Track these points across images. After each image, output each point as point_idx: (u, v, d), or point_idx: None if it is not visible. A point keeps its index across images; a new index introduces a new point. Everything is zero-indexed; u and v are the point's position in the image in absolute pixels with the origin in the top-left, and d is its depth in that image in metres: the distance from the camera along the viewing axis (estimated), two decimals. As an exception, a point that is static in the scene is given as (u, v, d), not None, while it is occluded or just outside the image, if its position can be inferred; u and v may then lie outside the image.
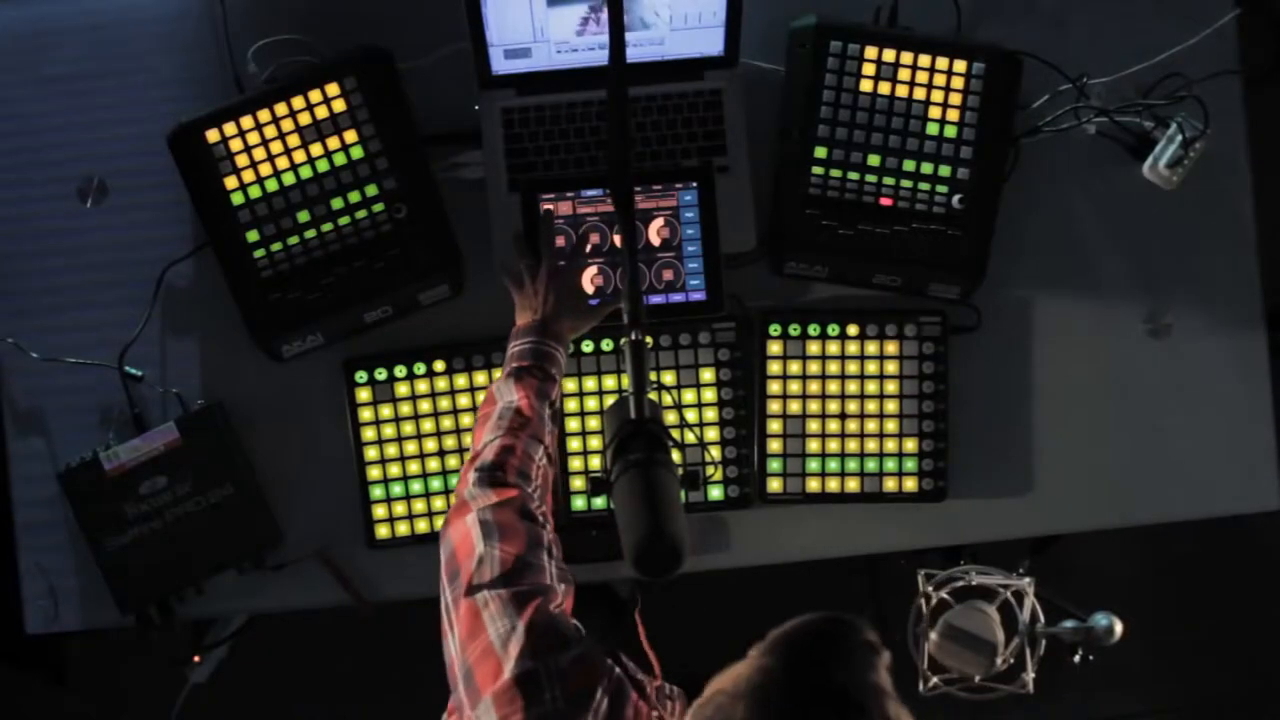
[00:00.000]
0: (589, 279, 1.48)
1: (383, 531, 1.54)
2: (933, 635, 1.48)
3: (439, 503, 1.54)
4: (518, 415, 1.26)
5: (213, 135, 1.50)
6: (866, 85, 1.53)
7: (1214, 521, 1.58)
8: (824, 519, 1.54)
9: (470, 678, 1.01)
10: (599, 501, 1.53)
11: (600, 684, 0.99)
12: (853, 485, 1.54)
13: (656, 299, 1.49)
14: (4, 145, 1.61)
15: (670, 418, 1.50)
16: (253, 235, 1.50)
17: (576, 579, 1.15)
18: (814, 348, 1.55)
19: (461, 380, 1.54)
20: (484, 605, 1.05)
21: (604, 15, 1.47)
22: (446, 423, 1.54)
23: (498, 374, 1.54)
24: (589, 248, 1.47)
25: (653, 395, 1.19)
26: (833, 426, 1.55)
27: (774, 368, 1.55)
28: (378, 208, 1.51)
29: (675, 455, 1.14)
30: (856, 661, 0.81)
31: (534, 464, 1.23)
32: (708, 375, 1.55)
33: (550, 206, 1.47)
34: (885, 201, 1.52)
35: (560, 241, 1.46)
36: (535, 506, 1.19)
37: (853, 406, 1.55)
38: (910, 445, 1.54)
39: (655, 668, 1.20)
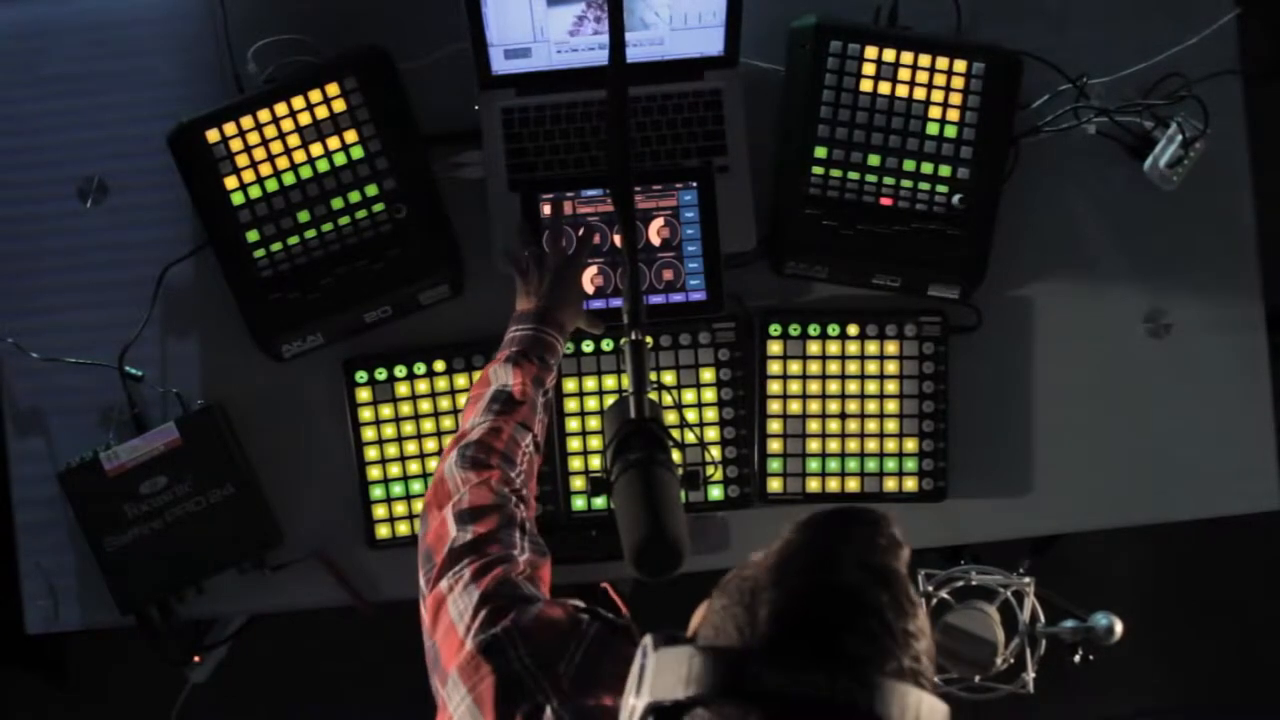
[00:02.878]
0: (589, 279, 1.48)
1: (383, 531, 1.54)
2: (933, 635, 1.47)
3: (439, 503, 1.54)
4: (510, 399, 1.25)
5: (213, 135, 1.50)
6: (866, 85, 1.53)
7: (1214, 521, 1.58)
8: (824, 519, 1.54)
9: (437, 659, 1.02)
10: (599, 501, 1.53)
11: (571, 639, 0.97)
12: (853, 485, 1.54)
13: (656, 299, 1.49)
14: (4, 145, 1.61)
15: (670, 418, 1.49)
16: (253, 235, 1.50)
17: (574, 585, 1.15)
18: (814, 348, 1.55)
19: (461, 380, 1.54)
20: (448, 590, 1.05)
21: (603, 15, 1.47)
22: (447, 423, 1.54)
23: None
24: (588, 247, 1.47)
25: (653, 395, 1.18)
26: (833, 426, 1.55)
27: (774, 368, 1.55)
28: (378, 208, 1.51)
29: (675, 455, 1.14)
30: (881, 545, 0.80)
31: (519, 449, 1.23)
32: (708, 375, 1.54)
33: (557, 201, 1.46)
34: (885, 201, 1.52)
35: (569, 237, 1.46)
36: (516, 489, 1.18)
37: (853, 406, 1.55)
38: (910, 445, 1.54)
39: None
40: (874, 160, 1.53)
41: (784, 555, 0.80)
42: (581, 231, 1.46)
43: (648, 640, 0.79)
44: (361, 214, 1.51)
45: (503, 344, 1.34)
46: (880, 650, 0.74)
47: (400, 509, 1.53)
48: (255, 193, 1.50)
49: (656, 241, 1.49)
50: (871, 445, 1.55)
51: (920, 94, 1.53)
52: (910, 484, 1.54)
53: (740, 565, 0.82)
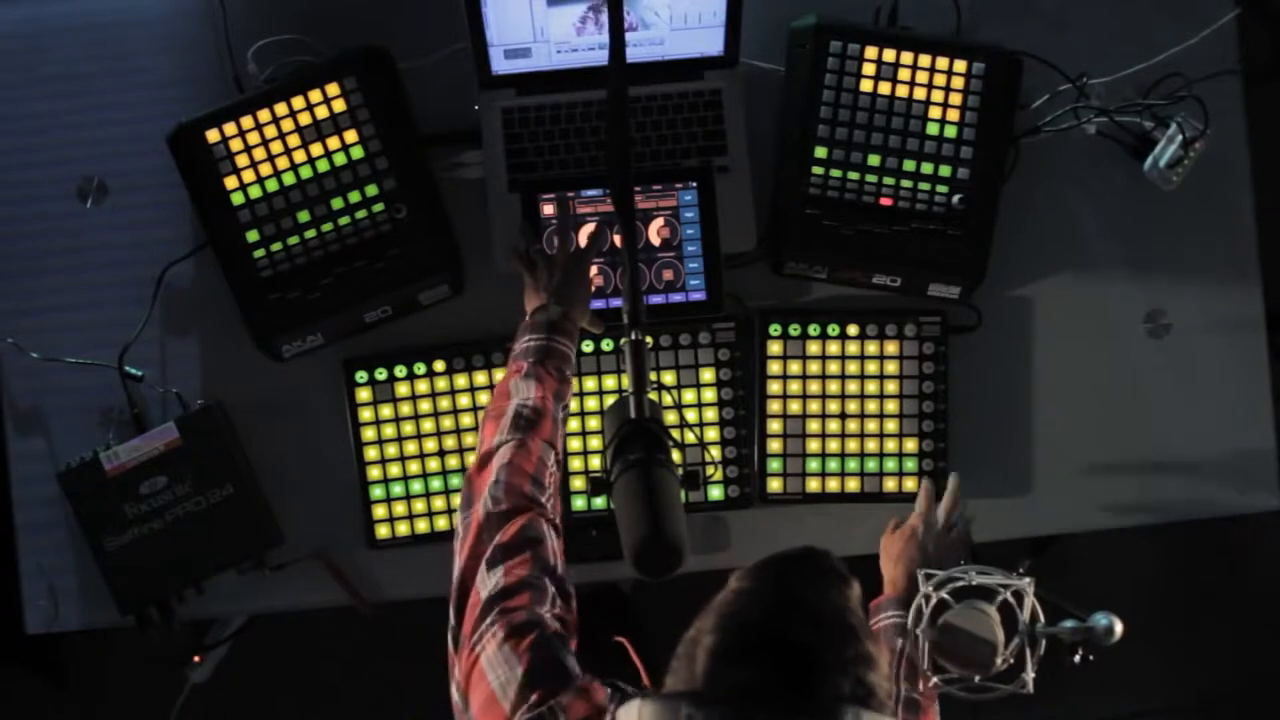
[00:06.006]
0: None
1: (383, 531, 1.54)
2: (933, 635, 1.48)
3: (439, 503, 1.54)
4: (534, 416, 1.22)
5: (213, 135, 1.50)
6: (866, 85, 1.53)
7: (1214, 521, 1.58)
8: (824, 519, 1.54)
9: None
10: (599, 501, 1.53)
11: (605, 714, 0.98)
12: (853, 485, 1.54)
13: (656, 299, 1.49)
14: (4, 145, 1.61)
15: (670, 418, 1.50)
16: (253, 235, 1.50)
17: (576, 584, 1.14)
18: (814, 348, 1.55)
19: (461, 380, 1.54)
20: (482, 649, 1.03)
21: (603, 15, 1.47)
22: (446, 423, 1.54)
23: (499, 373, 1.53)
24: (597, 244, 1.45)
25: (653, 395, 1.18)
26: (833, 426, 1.55)
27: (774, 368, 1.55)
28: (378, 208, 1.51)
29: (675, 455, 1.14)
30: (820, 583, 0.87)
31: (547, 470, 1.20)
32: (708, 375, 1.54)
33: (564, 199, 1.46)
34: (885, 201, 1.52)
35: (582, 233, 1.46)
36: (549, 516, 1.16)
37: (853, 406, 1.55)
38: (910, 445, 1.54)
39: (645, 681, 1.23)
40: (874, 160, 1.53)
41: (728, 603, 0.88)
42: (594, 228, 1.46)
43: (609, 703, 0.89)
44: (361, 214, 1.51)
45: (514, 352, 1.32)
46: (812, 681, 0.82)
47: (400, 509, 1.53)
48: (255, 193, 1.50)
49: (656, 241, 1.49)
50: (871, 445, 1.55)
51: (920, 94, 1.53)
52: (910, 484, 1.54)
53: (696, 618, 0.89)
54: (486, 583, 1.07)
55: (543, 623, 1.04)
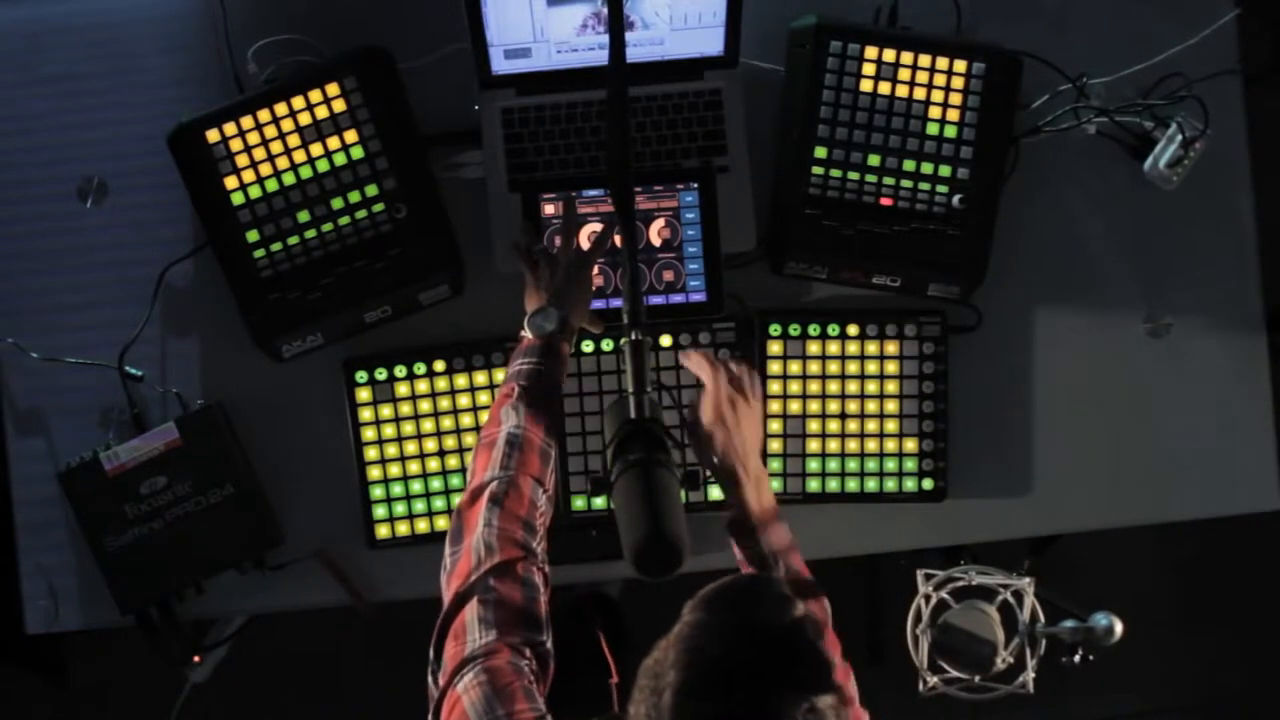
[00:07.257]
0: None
1: (383, 531, 1.54)
2: (933, 635, 1.48)
3: (439, 502, 1.54)
4: (526, 448, 1.21)
5: (213, 135, 1.50)
6: (866, 85, 1.53)
7: (1214, 521, 1.58)
8: (824, 519, 1.54)
9: None
10: (599, 501, 1.53)
11: None
12: (853, 485, 1.54)
13: (657, 299, 1.49)
14: (4, 145, 1.61)
15: (670, 418, 1.49)
16: (253, 235, 1.50)
17: (569, 585, 1.14)
18: (814, 348, 1.55)
19: (461, 380, 1.54)
20: (464, 693, 1.03)
21: (604, 16, 1.47)
22: (446, 423, 1.54)
23: (499, 373, 1.53)
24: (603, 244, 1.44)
25: (653, 395, 1.18)
26: (833, 426, 1.55)
27: (774, 368, 1.55)
28: (378, 208, 1.51)
29: (675, 455, 1.14)
30: (773, 609, 0.91)
31: (538, 512, 1.19)
32: (708, 375, 1.54)
33: (569, 198, 1.45)
34: (885, 201, 1.52)
35: (583, 233, 1.46)
36: (539, 565, 1.15)
37: (853, 406, 1.55)
38: (910, 445, 1.54)
39: (612, 668, 1.26)
40: (874, 160, 1.53)
41: (686, 635, 0.91)
42: (599, 228, 1.45)
43: None
44: (361, 214, 1.51)
45: (509, 372, 1.31)
46: (771, 711, 0.86)
47: (400, 509, 1.53)
48: (255, 193, 1.50)
49: (657, 242, 1.49)
50: (871, 445, 1.55)
51: (920, 94, 1.53)
52: (910, 484, 1.54)
53: (655, 648, 0.93)
54: (475, 638, 1.07)
55: (523, 674, 1.05)
